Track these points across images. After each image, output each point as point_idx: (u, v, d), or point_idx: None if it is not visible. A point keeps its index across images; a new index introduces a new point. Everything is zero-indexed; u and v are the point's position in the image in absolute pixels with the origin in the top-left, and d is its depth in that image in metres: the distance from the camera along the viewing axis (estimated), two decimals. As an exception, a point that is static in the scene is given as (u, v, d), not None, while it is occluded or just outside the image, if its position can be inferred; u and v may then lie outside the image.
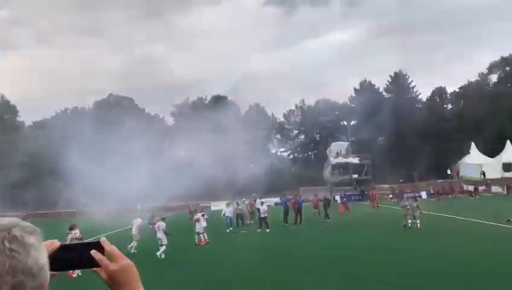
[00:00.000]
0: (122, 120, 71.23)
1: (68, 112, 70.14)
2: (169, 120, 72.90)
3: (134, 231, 19.31)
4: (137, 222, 19.78)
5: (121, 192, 26.05)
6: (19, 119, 68.19)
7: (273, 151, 76.51)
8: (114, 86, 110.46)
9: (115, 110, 72.68)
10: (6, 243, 0.79)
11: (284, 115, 78.87)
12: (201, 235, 20.83)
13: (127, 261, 1.09)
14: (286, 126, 78.41)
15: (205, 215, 21.94)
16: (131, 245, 18.95)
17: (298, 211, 28.56)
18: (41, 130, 62.87)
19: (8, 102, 67.48)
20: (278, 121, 78.28)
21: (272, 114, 77.33)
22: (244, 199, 31.76)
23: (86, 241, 0.99)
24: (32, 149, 43.84)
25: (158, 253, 17.03)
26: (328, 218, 28.83)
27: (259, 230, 24.48)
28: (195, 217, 21.78)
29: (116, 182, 24.96)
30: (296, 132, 79.21)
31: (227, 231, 25.16)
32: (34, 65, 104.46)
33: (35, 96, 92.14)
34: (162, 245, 17.25)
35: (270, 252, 17.18)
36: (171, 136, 66.79)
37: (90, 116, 64.63)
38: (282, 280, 12.25)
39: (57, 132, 55.74)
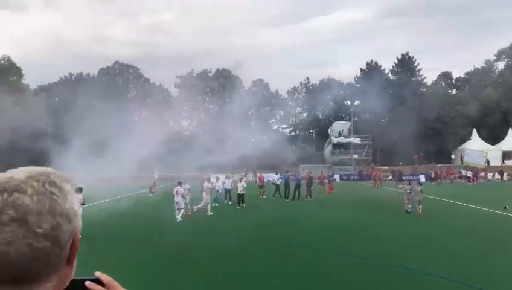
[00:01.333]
0: (126, 88, 71.36)
1: (73, 77, 70.04)
2: (174, 91, 72.86)
3: (177, 199, 19.42)
4: (180, 190, 20.05)
5: (126, 160, 26.30)
6: (23, 82, 68.17)
7: (275, 127, 76.71)
8: (120, 53, 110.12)
9: (120, 78, 72.59)
10: (47, 186, 0.87)
11: (288, 92, 78.81)
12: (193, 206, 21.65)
13: None
14: (289, 103, 78.35)
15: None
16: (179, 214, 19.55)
17: (297, 187, 29.25)
18: (45, 93, 62.97)
19: (14, 64, 67.34)
20: (281, 97, 78.19)
21: (276, 90, 77.26)
22: (242, 173, 31.95)
23: (82, 277, 1.00)
24: (35, 112, 44.10)
25: (177, 217, 18.91)
26: (311, 197, 29.28)
27: (238, 207, 23.96)
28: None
29: (120, 150, 25.23)
30: (299, 109, 79.20)
31: (216, 204, 24.79)
32: (42, 28, 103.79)
33: (41, 59, 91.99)
34: (179, 209, 19.03)
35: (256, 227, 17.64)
36: (174, 106, 66.85)
37: (95, 82, 64.57)
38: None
39: (61, 96, 55.87)
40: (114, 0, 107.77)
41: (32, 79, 74.82)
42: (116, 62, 72.74)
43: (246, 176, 30.29)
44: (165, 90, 72.08)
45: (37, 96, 60.22)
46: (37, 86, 69.16)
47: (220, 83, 71.04)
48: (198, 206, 21.43)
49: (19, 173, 0.89)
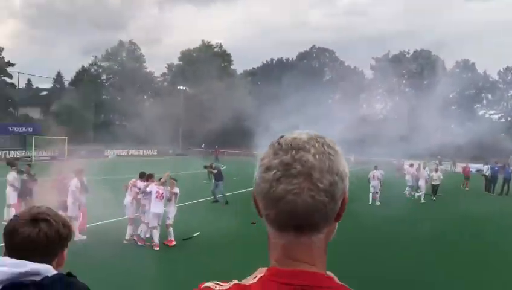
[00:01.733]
0: (322, 72, 73.13)
1: (273, 62, 74.88)
2: (369, 73, 71.68)
3: (373, 183, 19.82)
4: (376, 174, 20.13)
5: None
6: (232, 67, 75.82)
7: (481, 113, 68.98)
8: (318, 37, 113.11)
9: (316, 61, 74.70)
10: (325, 148, 0.96)
11: (499, 73, 69.57)
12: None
13: None
14: (500, 86, 69.27)
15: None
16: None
17: (506, 181, 26.30)
18: (250, 77, 68.94)
19: (225, 51, 75.38)
20: (491, 79, 69.55)
21: (484, 72, 69.05)
22: (436, 162, 29.84)
23: None
24: (241, 96, 48.82)
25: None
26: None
27: (433, 198, 22.50)
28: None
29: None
30: (512, 92, 69.49)
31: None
32: (247, 17, 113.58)
33: (247, 46, 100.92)
34: (375, 193, 19.59)
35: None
36: (368, 89, 65.95)
37: (293, 66, 67.86)
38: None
39: (263, 80, 60.55)
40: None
41: (238, 64, 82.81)
42: (313, 46, 74.99)
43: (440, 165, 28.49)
44: (360, 72, 71.49)
45: (243, 81, 66.35)
46: (243, 70, 76.16)
47: (419, 64, 67.06)
48: (418, 194, 22.00)
49: (301, 134, 0.98)
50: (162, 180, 11.16)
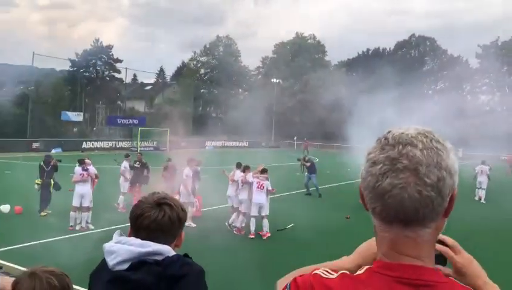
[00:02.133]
0: (422, 61, 69.31)
1: (369, 52, 72.50)
2: (474, 62, 66.50)
3: (480, 178, 18.67)
4: (484, 169, 18.79)
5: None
6: (326, 58, 74.69)
7: None
8: (418, 26, 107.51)
9: (416, 50, 71.04)
10: (434, 143, 0.95)
11: None
12: None
13: (469, 255, 1.14)
14: None
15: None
16: None
17: None
18: (344, 68, 67.42)
19: (319, 42, 74.43)
20: None
21: None
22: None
23: None
24: (335, 88, 47.97)
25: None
26: None
27: None
28: None
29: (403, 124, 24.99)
30: None
31: None
32: (341, 5, 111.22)
33: (342, 36, 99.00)
34: (483, 189, 18.22)
35: None
36: (473, 79, 61.32)
37: (391, 56, 65.24)
38: None
39: (358, 71, 59.00)
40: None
41: (333, 55, 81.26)
42: (413, 35, 71.31)
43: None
44: (464, 62, 66.63)
45: (338, 72, 65.11)
46: (338, 61, 74.68)
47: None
48: None
49: (408, 129, 0.98)
50: (259, 168, 11.47)
